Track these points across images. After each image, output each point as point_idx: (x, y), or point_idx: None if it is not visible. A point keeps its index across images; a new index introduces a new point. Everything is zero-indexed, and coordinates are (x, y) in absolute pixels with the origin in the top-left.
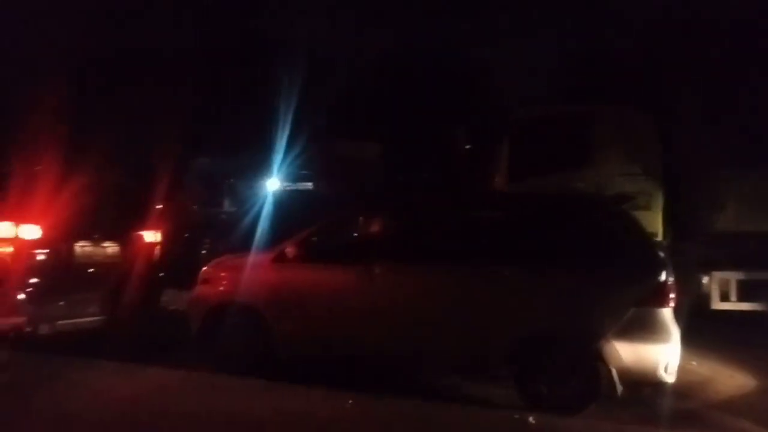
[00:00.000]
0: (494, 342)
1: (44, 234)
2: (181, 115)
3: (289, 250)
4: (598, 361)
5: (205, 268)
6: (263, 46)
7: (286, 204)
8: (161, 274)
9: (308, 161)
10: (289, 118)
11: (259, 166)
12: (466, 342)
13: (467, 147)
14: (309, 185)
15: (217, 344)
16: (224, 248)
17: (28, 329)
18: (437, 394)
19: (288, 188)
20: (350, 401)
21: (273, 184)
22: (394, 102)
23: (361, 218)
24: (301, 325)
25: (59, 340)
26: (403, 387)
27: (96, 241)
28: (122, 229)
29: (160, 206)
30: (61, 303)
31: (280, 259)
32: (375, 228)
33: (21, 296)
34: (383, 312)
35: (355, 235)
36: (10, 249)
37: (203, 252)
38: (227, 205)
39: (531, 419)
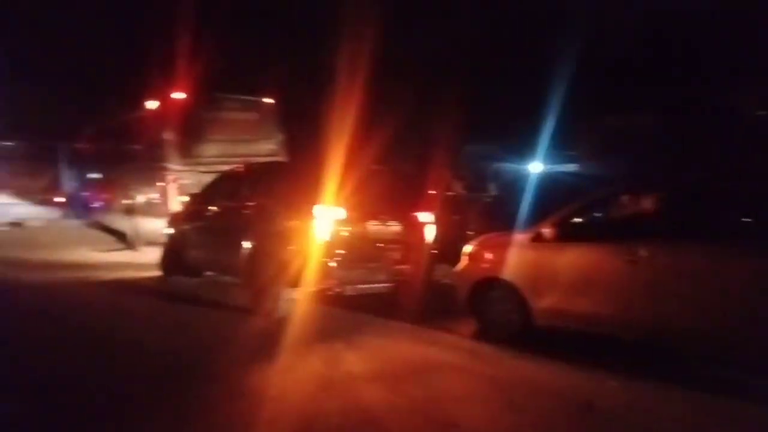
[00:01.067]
0: None
1: (347, 215)
2: (453, 105)
3: (547, 230)
4: None
5: (469, 247)
6: (529, 26)
7: (547, 186)
8: (434, 251)
9: (574, 141)
10: (556, 98)
11: (524, 149)
12: (753, 332)
13: (758, 114)
14: (573, 166)
15: (480, 314)
16: (487, 228)
17: (338, 290)
18: (708, 386)
19: (551, 170)
20: (612, 382)
21: (536, 167)
22: (670, 69)
23: (623, 197)
24: (556, 301)
25: (359, 300)
26: (665, 375)
27: (383, 221)
28: (403, 211)
29: (434, 191)
30: (360, 271)
31: (538, 238)
32: (642, 207)
33: (332, 264)
34: (650, 294)
35: (617, 214)
36: (323, 226)
37: (469, 232)
38: (492, 189)
39: None
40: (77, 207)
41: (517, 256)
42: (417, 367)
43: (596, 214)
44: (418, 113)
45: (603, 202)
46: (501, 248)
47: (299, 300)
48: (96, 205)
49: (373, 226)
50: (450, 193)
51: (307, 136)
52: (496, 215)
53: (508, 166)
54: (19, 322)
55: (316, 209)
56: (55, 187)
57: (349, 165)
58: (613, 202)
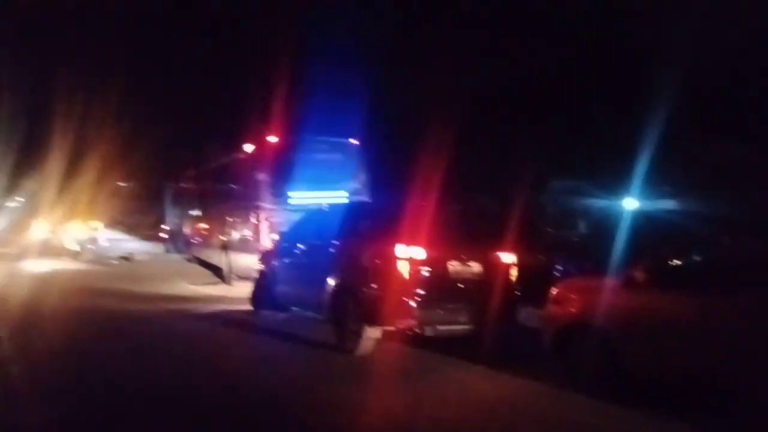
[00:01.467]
0: None
1: (428, 255)
2: (539, 139)
3: (640, 273)
4: None
5: (555, 289)
6: (618, 54)
7: (641, 224)
8: (517, 292)
9: (670, 175)
10: (649, 130)
11: (616, 185)
12: None
13: None
14: (670, 203)
15: (566, 360)
16: (576, 270)
17: (416, 330)
18: None
19: (645, 207)
20: None
21: (629, 203)
22: None
23: (725, 239)
24: (648, 351)
25: (440, 341)
26: None
27: (464, 261)
28: (485, 251)
29: (518, 229)
30: (440, 311)
31: (631, 282)
32: (748, 251)
33: (412, 303)
34: (755, 347)
35: (719, 258)
36: (404, 266)
37: (556, 274)
38: (582, 228)
39: None
40: (178, 242)
41: (607, 301)
42: (500, 413)
43: (696, 258)
44: (503, 149)
45: (703, 244)
46: (589, 292)
47: (380, 338)
48: (195, 240)
49: (454, 266)
50: (536, 232)
51: (390, 176)
52: (585, 256)
53: (599, 203)
54: (125, 354)
55: (397, 248)
56: (159, 224)
57: (431, 204)
58: (714, 245)
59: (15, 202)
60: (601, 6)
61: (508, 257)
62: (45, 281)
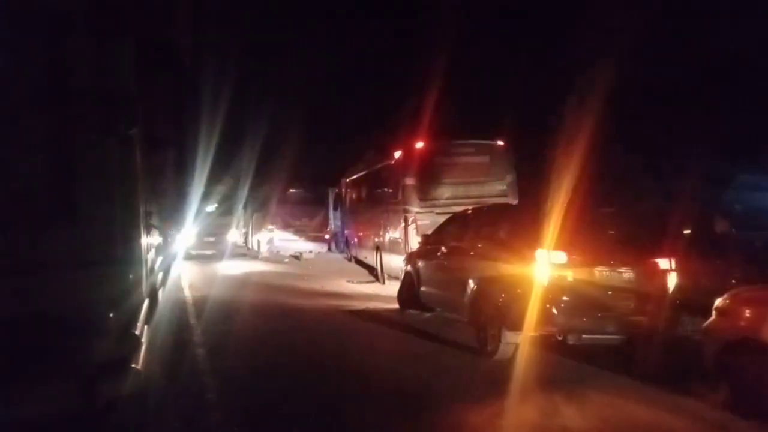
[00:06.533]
0: None
1: (572, 260)
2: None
3: None
4: None
5: (721, 299)
6: None
7: None
8: (678, 301)
9: None
10: None
11: None
12: None
13: None
14: None
15: (730, 380)
16: (757, 278)
17: (559, 337)
18: None
19: None
20: None
21: None
22: None
23: None
24: None
25: (584, 350)
26: None
27: (613, 267)
28: (638, 256)
29: (689, 231)
30: (585, 319)
31: None
32: None
33: (554, 310)
34: None
35: None
36: (545, 270)
37: (733, 281)
38: None
39: None
40: (339, 242)
41: None
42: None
43: None
44: (667, 142)
45: None
46: (764, 303)
47: (521, 343)
48: (353, 241)
49: (602, 272)
50: (713, 233)
51: (537, 177)
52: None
53: None
54: (291, 339)
55: (538, 253)
56: (323, 226)
57: (577, 207)
58: None
59: (211, 208)
60: None
61: (665, 263)
62: (236, 280)
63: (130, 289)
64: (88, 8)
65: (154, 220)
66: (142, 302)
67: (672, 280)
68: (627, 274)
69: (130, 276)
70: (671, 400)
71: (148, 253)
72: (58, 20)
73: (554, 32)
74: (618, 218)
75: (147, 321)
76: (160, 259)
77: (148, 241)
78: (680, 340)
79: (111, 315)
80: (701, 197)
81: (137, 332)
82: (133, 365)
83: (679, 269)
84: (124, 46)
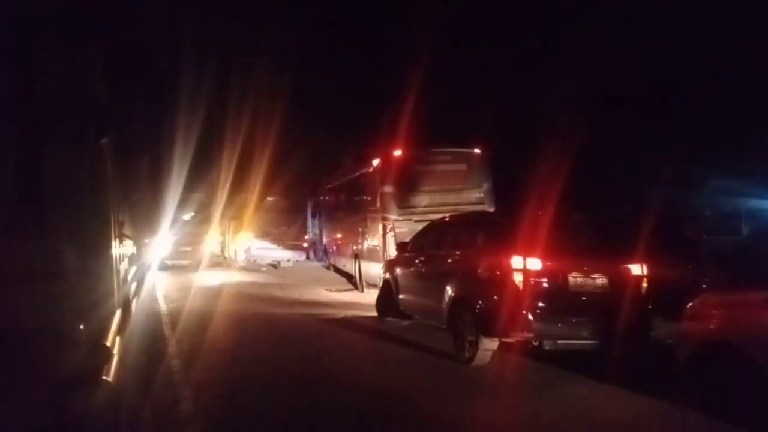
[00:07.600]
0: None
1: (546, 266)
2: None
3: None
4: None
5: (691, 303)
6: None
7: None
8: (650, 306)
9: None
10: None
11: None
12: None
13: None
14: None
15: (704, 382)
16: (727, 281)
17: (534, 343)
18: None
19: None
20: None
21: None
22: None
23: None
24: None
25: (560, 356)
26: None
27: (587, 273)
28: (610, 262)
29: (658, 236)
30: (560, 324)
31: None
32: None
33: (529, 316)
34: None
35: None
36: (520, 277)
37: (704, 285)
38: (744, 233)
39: None
40: (317, 251)
41: (754, 318)
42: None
43: None
44: (639, 149)
45: None
46: (733, 307)
47: (499, 350)
48: (331, 249)
49: (577, 278)
50: (683, 239)
51: (513, 185)
52: (739, 266)
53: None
54: (268, 349)
55: (514, 259)
56: (301, 234)
57: (551, 214)
58: None
59: (188, 216)
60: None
61: (636, 269)
62: (213, 290)
63: (101, 300)
64: (58, 15)
65: (127, 230)
66: (114, 313)
67: (644, 285)
68: (600, 279)
69: (101, 286)
70: (646, 402)
71: (120, 263)
72: (25, 27)
73: (530, 43)
74: (591, 225)
75: (119, 332)
76: (133, 269)
77: (120, 251)
78: (653, 344)
79: (81, 326)
80: (672, 203)
81: (108, 344)
82: (104, 377)
83: (652, 274)
84: (94, 53)
